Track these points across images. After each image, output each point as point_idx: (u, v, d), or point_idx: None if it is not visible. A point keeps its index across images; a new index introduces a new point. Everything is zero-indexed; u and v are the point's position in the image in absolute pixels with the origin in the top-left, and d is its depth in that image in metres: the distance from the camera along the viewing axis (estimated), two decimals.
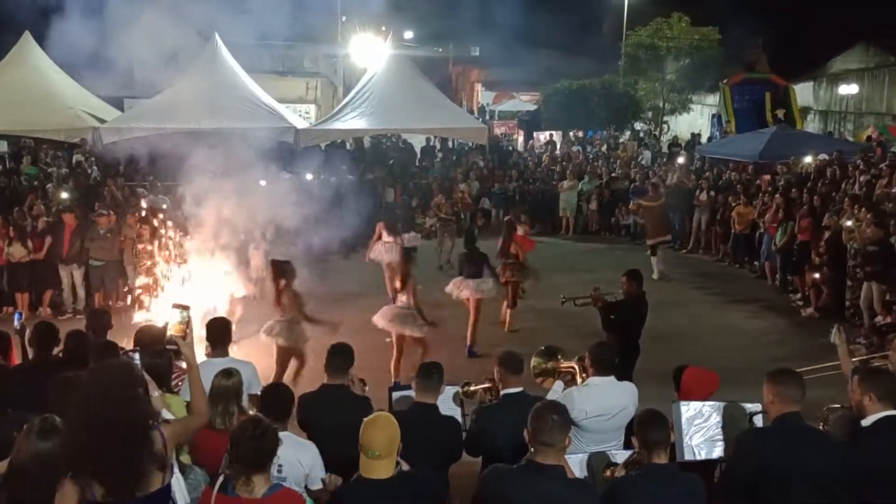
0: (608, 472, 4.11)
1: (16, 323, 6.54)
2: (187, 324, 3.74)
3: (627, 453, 4.35)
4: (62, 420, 3.32)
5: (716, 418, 4.68)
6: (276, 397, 4.35)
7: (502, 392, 4.84)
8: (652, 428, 3.72)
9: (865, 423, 3.99)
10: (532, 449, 3.59)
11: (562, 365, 5.35)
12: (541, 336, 9.22)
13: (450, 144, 25.04)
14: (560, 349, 5.58)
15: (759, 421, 4.54)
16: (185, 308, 3.78)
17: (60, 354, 5.54)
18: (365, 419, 3.64)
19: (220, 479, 3.53)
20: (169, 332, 3.77)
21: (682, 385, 5.08)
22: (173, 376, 4.94)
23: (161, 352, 4.55)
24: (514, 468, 3.66)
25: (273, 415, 4.16)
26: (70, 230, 11.54)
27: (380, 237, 12.24)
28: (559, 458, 3.60)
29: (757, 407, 4.52)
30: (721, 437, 4.61)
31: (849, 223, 11.14)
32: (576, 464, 4.26)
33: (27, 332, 5.90)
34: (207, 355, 5.63)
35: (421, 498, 3.68)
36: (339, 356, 4.93)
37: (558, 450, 3.57)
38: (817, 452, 3.84)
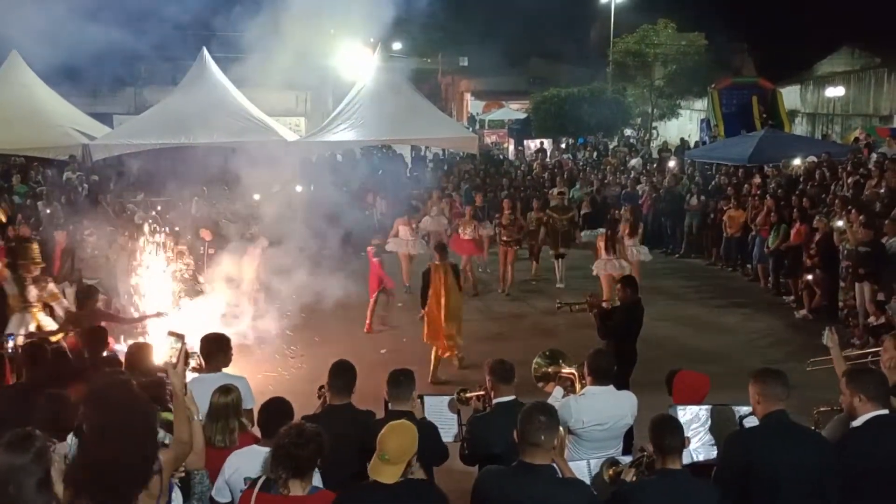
0: (611, 472, 4.09)
1: (9, 344, 6.49)
2: (179, 352, 3.77)
3: (628, 458, 4.34)
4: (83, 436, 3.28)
5: (710, 422, 4.69)
6: (270, 413, 4.25)
7: (494, 401, 4.81)
8: (668, 433, 3.73)
9: (856, 423, 4.01)
10: (521, 450, 3.62)
11: (563, 370, 5.30)
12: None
13: (440, 154, 25.10)
14: (564, 354, 5.51)
15: (749, 422, 4.54)
16: (180, 336, 3.82)
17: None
18: (390, 423, 3.71)
19: (262, 479, 3.66)
20: (162, 359, 3.81)
21: (674, 389, 5.08)
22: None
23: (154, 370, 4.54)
24: (505, 469, 3.72)
25: (269, 433, 4.12)
26: (61, 248, 11.44)
27: (397, 233, 13.38)
28: (549, 458, 3.63)
29: (749, 409, 4.53)
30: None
31: (840, 224, 11.19)
32: (576, 471, 4.24)
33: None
34: (198, 370, 5.59)
35: None
36: (343, 375, 4.77)
37: (547, 450, 3.61)
38: (804, 449, 3.87)
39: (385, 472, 3.55)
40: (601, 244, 12.02)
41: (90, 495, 3.07)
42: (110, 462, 3.09)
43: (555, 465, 3.75)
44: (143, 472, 3.21)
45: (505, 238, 13.61)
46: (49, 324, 8.48)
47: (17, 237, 10.58)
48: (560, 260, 14.00)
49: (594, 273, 12.11)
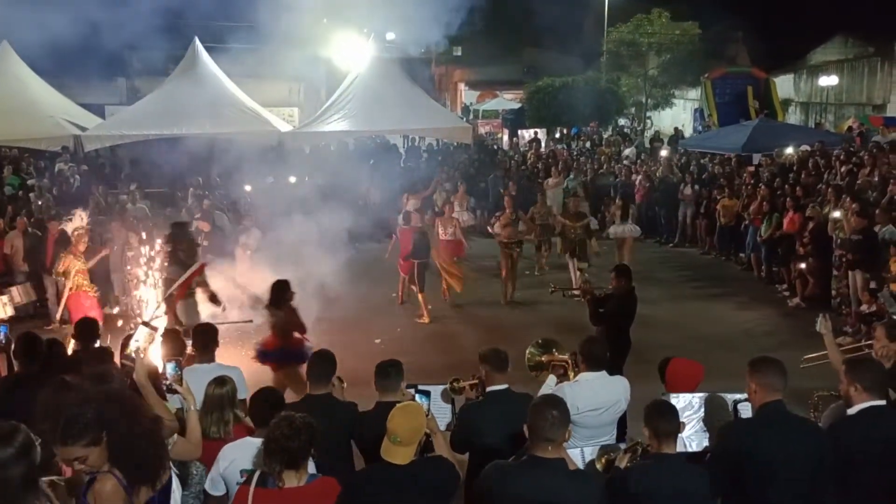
0: (603, 460, 4.10)
1: (1, 336, 6.47)
2: (149, 344, 3.85)
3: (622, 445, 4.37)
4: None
5: (703, 410, 4.71)
6: (260, 404, 4.25)
7: (487, 389, 4.83)
8: (664, 418, 3.77)
9: (851, 412, 4.04)
10: (531, 444, 3.60)
11: (556, 358, 5.33)
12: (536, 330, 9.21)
13: (434, 144, 25.05)
14: (556, 342, 5.54)
15: (743, 408, 4.56)
16: (154, 329, 3.87)
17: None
18: (397, 405, 3.73)
19: (257, 475, 3.65)
20: (131, 347, 3.88)
21: (667, 377, 5.09)
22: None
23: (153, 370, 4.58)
24: (515, 463, 3.69)
25: (259, 424, 4.12)
26: (53, 238, 11.40)
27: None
28: (559, 452, 3.62)
29: (743, 395, 4.55)
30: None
31: (836, 213, 11.23)
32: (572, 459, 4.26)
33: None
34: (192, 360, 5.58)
35: (435, 483, 3.72)
36: (322, 364, 4.78)
37: (558, 444, 3.60)
38: (800, 440, 3.87)
39: (398, 454, 3.60)
40: (617, 212, 13.90)
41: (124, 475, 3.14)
42: (129, 439, 3.15)
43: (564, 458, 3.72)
44: (157, 445, 3.29)
45: (506, 240, 12.07)
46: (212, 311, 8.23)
47: (175, 223, 9.55)
48: (578, 271, 12.07)
49: (612, 236, 13.83)
